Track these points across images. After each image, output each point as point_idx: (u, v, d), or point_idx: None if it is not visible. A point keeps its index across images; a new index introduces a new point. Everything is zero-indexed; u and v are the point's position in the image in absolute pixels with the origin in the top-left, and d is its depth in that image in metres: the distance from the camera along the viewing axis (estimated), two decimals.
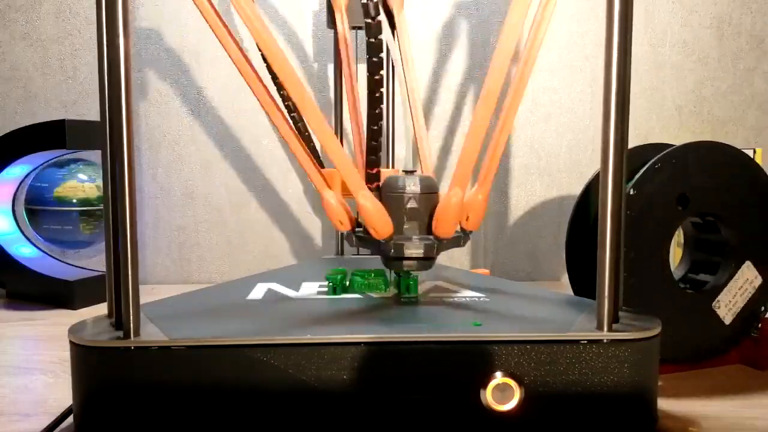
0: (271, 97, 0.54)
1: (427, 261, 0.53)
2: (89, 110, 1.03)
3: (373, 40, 0.51)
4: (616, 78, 0.44)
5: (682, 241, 0.66)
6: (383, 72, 0.53)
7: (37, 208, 0.90)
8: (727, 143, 0.58)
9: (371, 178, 0.54)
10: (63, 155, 0.92)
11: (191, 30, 1.02)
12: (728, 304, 0.57)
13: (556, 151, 1.06)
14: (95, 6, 0.48)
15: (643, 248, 0.55)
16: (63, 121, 0.84)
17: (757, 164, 0.59)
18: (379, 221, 0.52)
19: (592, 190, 0.65)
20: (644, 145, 0.64)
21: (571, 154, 1.06)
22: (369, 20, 0.51)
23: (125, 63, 0.42)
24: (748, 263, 0.57)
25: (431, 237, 0.53)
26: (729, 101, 1.07)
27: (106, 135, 0.44)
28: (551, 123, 1.06)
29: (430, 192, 0.54)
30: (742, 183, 0.58)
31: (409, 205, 0.53)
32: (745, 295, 0.57)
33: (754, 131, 1.08)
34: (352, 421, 0.43)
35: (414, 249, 0.53)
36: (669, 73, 1.06)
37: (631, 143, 0.52)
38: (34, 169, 0.93)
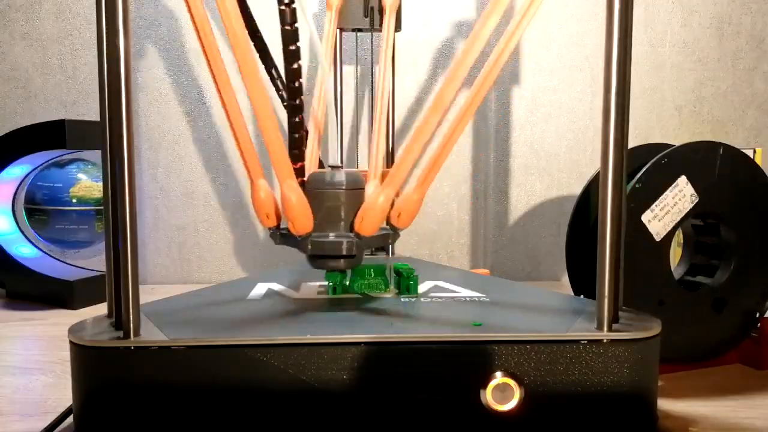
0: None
1: (348, 259, 0.52)
2: (89, 110, 1.03)
3: (288, 28, 0.49)
4: (616, 78, 0.44)
5: (682, 240, 0.66)
6: (301, 62, 0.51)
7: (50, 208, 0.90)
8: (726, 143, 0.58)
9: (296, 173, 0.52)
10: (63, 155, 0.92)
11: (191, 29, 1.02)
12: (658, 215, 0.55)
13: (556, 151, 1.06)
14: (95, 6, 0.48)
15: (644, 248, 0.55)
16: (63, 121, 0.84)
17: (757, 164, 0.59)
18: (299, 215, 0.50)
19: (591, 190, 0.65)
20: (644, 145, 0.64)
21: (571, 154, 1.06)
22: (283, 7, 0.49)
23: (125, 63, 0.42)
24: (683, 177, 0.55)
25: (351, 234, 0.52)
26: (729, 101, 1.07)
27: (106, 135, 0.44)
28: (551, 123, 1.06)
29: (355, 188, 0.52)
30: (742, 183, 0.58)
31: (331, 202, 0.51)
32: (677, 208, 0.55)
33: (754, 131, 1.08)
34: (352, 421, 0.43)
35: (331, 246, 0.51)
36: (669, 73, 1.06)
37: (631, 143, 0.52)
38: (34, 169, 0.93)
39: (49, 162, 0.92)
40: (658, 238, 0.55)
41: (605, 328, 0.45)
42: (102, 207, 0.91)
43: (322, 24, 1.03)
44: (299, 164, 0.52)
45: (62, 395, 0.55)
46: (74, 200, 0.90)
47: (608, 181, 0.45)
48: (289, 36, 0.50)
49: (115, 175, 0.43)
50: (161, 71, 1.03)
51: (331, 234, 0.51)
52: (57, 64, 1.03)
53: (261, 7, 1.01)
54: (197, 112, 1.04)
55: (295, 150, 0.52)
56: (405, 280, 0.58)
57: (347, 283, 0.59)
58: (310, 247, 0.51)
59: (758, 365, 0.60)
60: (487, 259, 1.08)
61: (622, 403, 0.44)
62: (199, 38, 0.50)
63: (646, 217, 0.55)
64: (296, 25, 0.50)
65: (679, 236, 0.69)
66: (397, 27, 0.81)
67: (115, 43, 0.42)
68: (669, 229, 0.55)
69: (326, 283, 0.58)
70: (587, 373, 0.43)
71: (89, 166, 0.93)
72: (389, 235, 0.54)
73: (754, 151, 0.76)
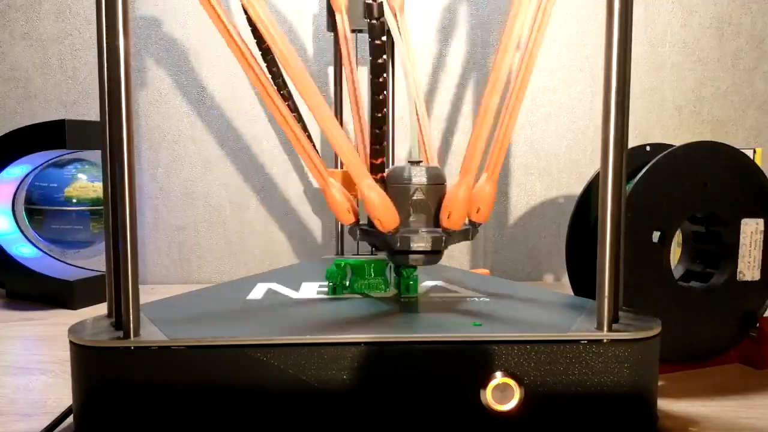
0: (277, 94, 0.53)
1: (434, 255, 0.52)
2: (89, 110, 1.03)
3: (377, 42, 0.50)
4: (616, 78, 0.44)
5: (681, 240, 0.66)
6: (386, 75, 0.51)
7: (46, 208, 0.90)
8: (726, 143, 0.58)
9: (376, 169, 0.52)
10: (63, 155, 0.92)
11: (191, 29, 1.02)
12: (748, 264, 0.57)
13: (556, 151, 1.06)
14: (95, 6, 0.48)
15: (644, 248, 0.55)
16: (63, 121, 0.84)
17: (757, 164, 0.59)
18: (385, 213, 0.50)
19: (592, 190, 0.65)
20: (644, 145, 0.64)
21: (571, 154, 1.06)
22: (373, 21, 0.50)
23: (125, 63, 0.42)
24: (744, 220, 0.57)
25: (439, 230, 0.51)
26: (729, 101, 1.07)
27: (106, 135, 0.44)
28: (551, 123, 1.06)
29: (437, 183, 0.52)
30: (742, 183, 0.58)
31: (415, 197, 0.51)
32: (758, 246, 0.57)
33: (754, 131, 1.08)
34: (352, 421, 0.43)
35: (421, 242, 0.50)
36: (669, 73, 1.06)
37: (631, 143, 0.52)
38: (34, 169, 0.93)
39: (49, 162, 0.92)
40: (757, 278, 0.58)
41: (605, 328, 0.44)
42: (97, 207, 0.91)
43: (321, 24, 1.03)
44: (380, 160, 0.52)
45: (62, 395, 0.55)
46: (68, 200, 0.90)
47: (608, 181, 0.45)
48: (377, 30, 0.50)
49: (115, 175, 0.43)
50: (161, 71, 1.03)
51: (420, 230, 0.51)
52: (57, 64, 1.03)
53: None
54: (197, 112, 1.04)
55: (376, 145, 0.52)
56: (405, 280, 0.58)
57: (347, 283, 0.59)
58: (398, 243, 0.51)
59: (758, 365, 0.60)
60: (487, 259, 1.08)
61: (622, 403, 0.44)
62: (246, 63, 0.49)
63: (748, 275, 0.58)
64: (382, 19, 0.50)
65: (678, 236, 0.69)
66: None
67: (115, 44, 0.42)
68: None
69: (326, 283, 0.58)
70: (587, 373, 0.43)
71: (87, 166, 0.93)
72: (469, 230, 0.54)
73: (754, 151, 0.76)
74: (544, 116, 1.06)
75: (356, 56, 0.91)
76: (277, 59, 0.50)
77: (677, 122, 1.07)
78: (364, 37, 0.91)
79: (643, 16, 1.05)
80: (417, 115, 0.66)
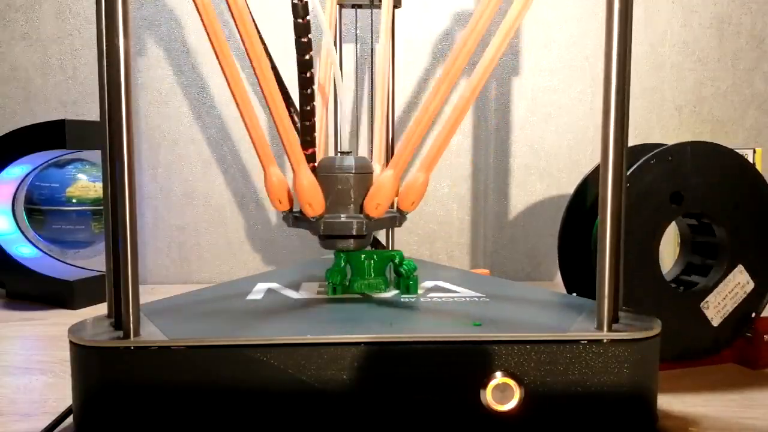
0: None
1: (358, 239, 0.55)
2: (89, 110, 1.03)
3: (300, 21, 0.51)
4: (616, 78, 0.44)
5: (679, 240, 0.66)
6: (312, 53, 0.53)
7: (47, 208, 0.90)
8: (723, 144, 0.58)
9: (307, 160, 0.55)
10: (63, 155, 0.92)
11: (191, 29, 1.02)
12: (717, 305, 0.57)
13: (556, 151, 1.06)
14: (95, 6, 0.48)
15: (634, 246, 0.55)
16: (63, 121, 0.84)
17: (753, 165, 0.59)
18: (313, 198, 0.53)
19: (588, 185, 0.65)
20: (644, 144, 0.65)
21: (571, 154, 1.06)
22: (299, 20, 0.51)
23: (125, 63, 0.42)
24: (740, 267, 0.57)
25: (361, 215, 0.55)
26: (729, 101, 1.07)
27: (106, 135, 0.44)
28: (551, 123, 1.06)
29: (363, 172, 0.55)
30: (738, 184, 0.58)
31: (341, 185, 0.54)
32: (735, 299, 0.57)
33: (754, 131, 1.08)
34: (353, 421, 0.43)
35: (343, 226, 0.54)
36: (669, 73, 1.06)
37: (631, 143, 0.52)
38: (34, 169, 0.93)
39: (49, 162, 0.92)
40: (714, 324, 0.58)
41: (605, 328, 0.45)
42: (98, 207, 0.91)
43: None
44: (310, 150, 0.55)
45: (62, 395, 0.55)
46: (70, 200, 0.90)
47: (608, 181, 0.45)
48: (301, 28, 0.52)
49: (115, 175, 0.43)
50: (161, 71, 1.03)
51: (342, 215, 0.54)
52: (57, 64, 1.03)
53: (264, 2, 1.01)
54: (197, 112, 1.04)
55: (306, 137, 0.54)
56: (405, 280, 0.58)
57: (347, 283, 0.59)
58: (322, 228, 0.54)
59: (752, 365, 0.60)
60: (487, 259, 1.08)
61: (622, 403, 0.44)
62: (207, 31, 0.50)
63: (709, 314, 0.57)
64: (308, 18, 0.52)
65: (678, 236, 0.69)
66: (397, 3, 0.81)
67: (115, 43, 0.42)
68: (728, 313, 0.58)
69: (326, 282, 0.58)
70: (587, 373, 0.43)
71: (87, 166, 0.93)
72: (396, 217, 0.57)
73: (754, 151, 0.77)
74: (544, 116, 1.06)
75: (355, 34, 0.91)
76: (238, 30, 0.51)
77: (677, 122, 1.07)
78: (364, 13, 0.91)
79: (643, 16, 1.05)
80: (379, 106, 0.68)
